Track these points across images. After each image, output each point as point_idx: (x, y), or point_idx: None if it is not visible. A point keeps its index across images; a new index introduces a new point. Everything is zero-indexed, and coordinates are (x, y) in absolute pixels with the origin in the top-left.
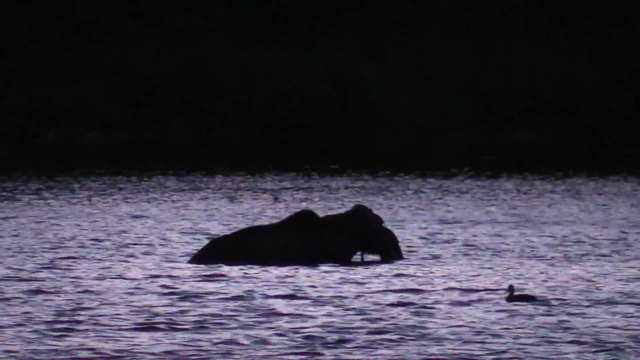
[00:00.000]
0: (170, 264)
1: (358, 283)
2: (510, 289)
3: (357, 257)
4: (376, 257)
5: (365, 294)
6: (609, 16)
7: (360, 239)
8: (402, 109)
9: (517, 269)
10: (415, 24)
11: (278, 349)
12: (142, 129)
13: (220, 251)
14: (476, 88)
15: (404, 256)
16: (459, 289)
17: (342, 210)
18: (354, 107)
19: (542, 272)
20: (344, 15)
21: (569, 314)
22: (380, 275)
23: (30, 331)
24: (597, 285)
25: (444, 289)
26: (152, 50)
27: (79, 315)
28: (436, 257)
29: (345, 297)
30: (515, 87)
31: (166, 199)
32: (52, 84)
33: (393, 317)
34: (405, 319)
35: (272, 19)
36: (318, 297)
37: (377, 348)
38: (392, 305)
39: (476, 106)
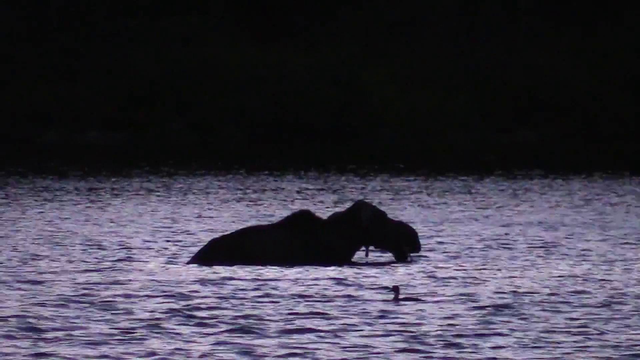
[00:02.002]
0: (171, 265)
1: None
2: (395, 289)
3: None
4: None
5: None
6: (609, 16)
7: (355, 235)
8: (402, 108)
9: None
10: (415, 24)
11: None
12: (142, 129)
13: (219, 251)
14: (476, 88)
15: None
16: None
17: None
18: (354, 107)
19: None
20: (344, 15)
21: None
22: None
23: (30, 336)
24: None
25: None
26: (152, 50)
27: (83, 317)
28: (451, 255)
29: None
30: (515, 87)
31: (166, 198)
32: (52, 84)
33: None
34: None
35: (272, 19)
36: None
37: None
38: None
39: (476, 106)
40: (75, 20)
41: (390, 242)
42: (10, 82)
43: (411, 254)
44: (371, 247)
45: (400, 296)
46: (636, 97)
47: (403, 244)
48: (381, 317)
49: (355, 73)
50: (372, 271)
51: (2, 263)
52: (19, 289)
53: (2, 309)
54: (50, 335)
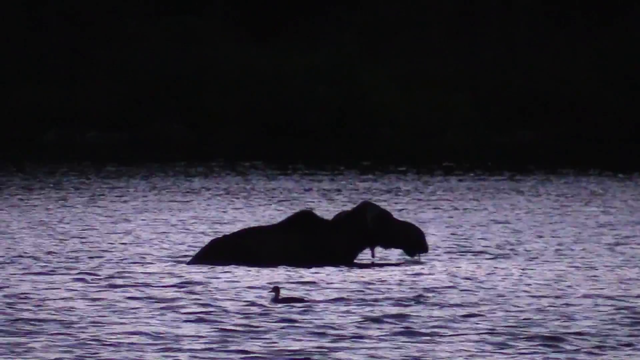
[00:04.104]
0: (172, 265)
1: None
2: (275, 290)
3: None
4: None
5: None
6: (610, 15)
7: (360, 235)
8: (402, 108)
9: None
10: (415, 24)
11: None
12: (142, 129)
13: (219, 252)
14: (476, 88)
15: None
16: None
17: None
18: (354, 107)
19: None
20: (344, 15)
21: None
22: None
23: (23, 336)
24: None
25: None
26: (152, 50)
27: (83, 317)
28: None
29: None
30: (515, 87)
31: (167, 198)
32: (52, 84)
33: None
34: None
35: (272, 18)
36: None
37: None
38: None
39: (476, 106)
40: (75, 20)
41: (396, 242)
42: (10, 82)
43: (420, 254)
44: (379, 248)
45: (280, 297)
46: (637, 97)
47: (409, 244)
48: (384, 319)
49: (355, 73)
50: (374, 272)
51: (4, 260)
52: (19, 285)
53: (4, 301)
54: (47, 335)
